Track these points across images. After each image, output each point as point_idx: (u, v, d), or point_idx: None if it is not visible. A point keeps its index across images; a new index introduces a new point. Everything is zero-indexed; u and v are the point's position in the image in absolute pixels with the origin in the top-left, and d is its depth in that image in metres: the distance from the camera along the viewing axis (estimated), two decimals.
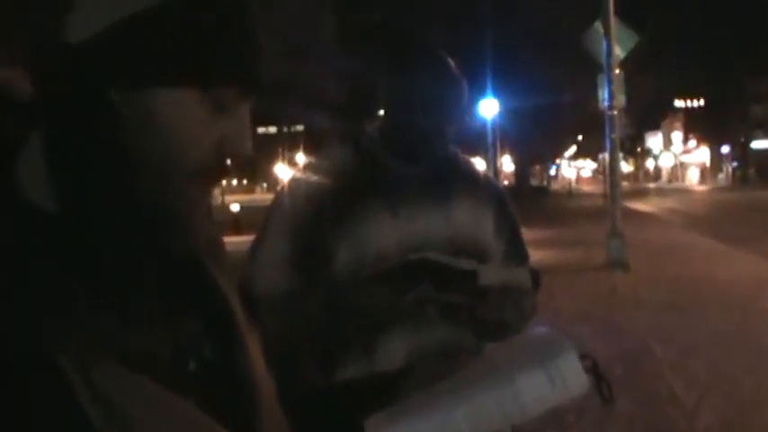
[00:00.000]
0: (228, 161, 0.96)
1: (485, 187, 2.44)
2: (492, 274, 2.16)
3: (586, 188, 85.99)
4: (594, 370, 1.23)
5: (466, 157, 2.48)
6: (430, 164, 2.31)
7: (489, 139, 26.58)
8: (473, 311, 2.17)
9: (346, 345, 2.23)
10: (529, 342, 1.21)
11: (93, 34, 0.89)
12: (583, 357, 1.18)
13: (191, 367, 0.95)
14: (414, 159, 2.30)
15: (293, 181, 2.35)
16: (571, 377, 1.13)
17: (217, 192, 0.98)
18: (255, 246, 2.31)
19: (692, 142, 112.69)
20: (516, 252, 2.47)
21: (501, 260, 2.39)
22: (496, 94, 26.85)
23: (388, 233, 2.22)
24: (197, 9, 0.91)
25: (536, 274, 2.37)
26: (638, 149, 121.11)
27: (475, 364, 1.23)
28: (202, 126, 0.93)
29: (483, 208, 2.38)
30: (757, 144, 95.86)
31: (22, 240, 0.85)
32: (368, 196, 2.24)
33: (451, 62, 2.29)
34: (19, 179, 0.90)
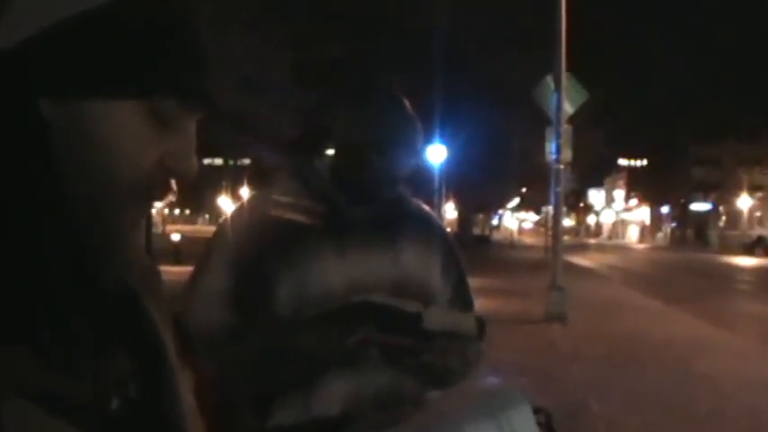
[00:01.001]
0: (172, 181, 0.89)
1: (433, 231, 2.41)
2: (437, 318, 2.12)
3: (528, 240, 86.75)
4: (548, 424, 1.17)
5: (416, 200, 2.45)
6: (379, 205, 2.27)
7: (436, 185, 26.70)
8: (417, 355, 2.12)
9: (284, 386, 2.16)
10: (479, 392, 1.14)
11: (23, 38, 0.81)
12: (536, 411, 1.12)
13: (113, 406, 0.85)
14: (364, 200, 2.25)
15: (238, 212, 2.28)
16: (522, 431, 1.06)
17: (158, 220, 0.87)
18: (194, 277, 2.23)
19: (634, 201, 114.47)
20: (462, 298, 2.43)
21: (447, 305, 2.35)
22: (443, 139, 27.01)
23: (333, 273, 2.16)
24: (138, 14, 0.83)
25: (482, 323, 2.32)
26: (581, 204, 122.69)
27: (421, 413, 1.15)
28: (143, 142, 0.85)
29: (431, 252, 2.35)
30: (696, 206, 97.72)
31: None
32: (315, 235, 2.19)
33: (408, 104, 2.26)
34: None
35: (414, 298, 2.19)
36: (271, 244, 2.17)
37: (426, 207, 2.51)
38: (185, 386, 0.99)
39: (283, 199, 2.24)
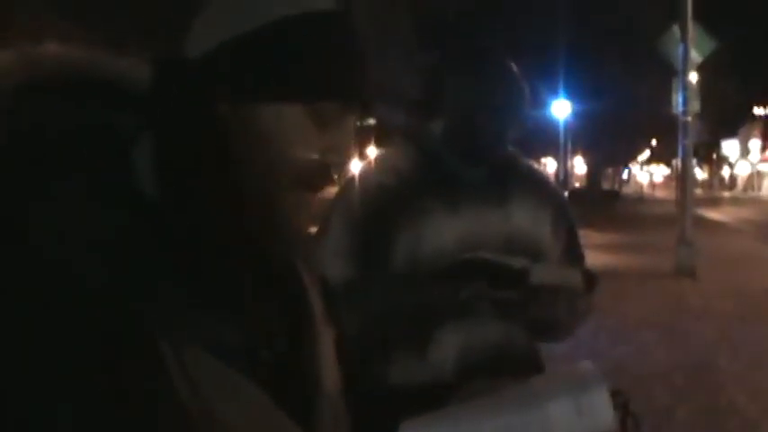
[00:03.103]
0: (332, 173, 1.01)
1: (544, 189, 2.49)
2: (543, 273, 2.18)
3: (659, 194, 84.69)
4: (624, 407, 1.25)
5: (526, 159, 2.52)
6: (490, 165, 2.35)
7: (561, 140, 26.39)
8: (525, 309, 2.20)
9: (401, 340, 2.27)
10: (567, 374, 1.24)
11: (207, 50, 0.96)
12: (615, 394, 1.21)
13: (263, 356, 1.00)
14: (475, 161, 2.34)
15: (356, 176, 2.39)
16: (599, 411, 1.16)
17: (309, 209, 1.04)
18: (317, 237, 2.34)
19: None
20: (572, 254, 2.50)
21: (557, 261, 2.42)
22: (569, 94, 26.63)
23: (447, 232, 2.26)
24: (303, 29, 0.96)
25: (592, 277, 2.38)
26: (714, 156, 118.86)
27: (515, 387, 1.26)
28: (307, 139, 0.98)
29: (541, 209, 2.42)
30: None
31: (135, 231, 0.91)
32: (429, 195, 2.29)
33: (514, 66, 2.31)
34: (134, 172, 0.96)
35: (524, 254, 2.26)
36: (387, 206, 2.27)
37: (545, 165, 2.57)
38: (327, 341, 1.12)
39: (397, 162, 2.35)
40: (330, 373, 1.11)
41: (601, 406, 1.16)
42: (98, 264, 0.87)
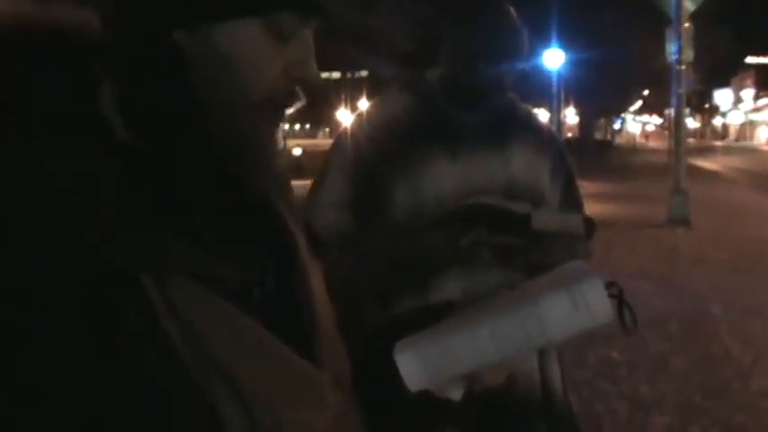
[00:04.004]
0: (298, 88, 0.98)
1: (542, 135, 2.48)
2: (545, 219, 2.18)
3: (652, 144, 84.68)
4: (619, 297, 1.23)
5: (525, 105, 2.50)
6: (489, 111, 2.34)
7: (554, 90, 26.28)
8: (527, 255, 2.20)
9: (402, 287, 2.27)
10: (559, 272, 1.23)
11: None
12: (609, 285, 1.19)
13: (254, 294, 0.99)
14: (473, 107, 2.33)
15: (354, 124, 2.38)
16: (595, 302, 1.14)
17: (279, 135, 1.02)
18: (315, 189, 2.34)
19: (764, 100, 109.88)
20: (571, 200, 2.50)
21: (556, 207, 2.42)
22: (562, 44, 26.46)
23: (446, 178, 2.26)
24: None
25: (590, 223, 2.38)
26: (706, 106, 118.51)
27: (507, 292, 1.25)
28: (267, 55, 0.95)
29: (540, 155, 2.42)
30: None
31: (107, 168, 0.89)
32: (427, 142, 2.28)
33: (513, 12, 2.30)
34: (101, 112, 0.93)
35: (524, 199, 2.26)
36: (385, 154, 2.27)
37: (539, 114, 2.57)
38: (316, 279, 1.11)
39: (395, 109, 2.34)
40: (324, 308, 1.10)
41: (597, 299, 1.15)
42: (69, 205, 0.85)
